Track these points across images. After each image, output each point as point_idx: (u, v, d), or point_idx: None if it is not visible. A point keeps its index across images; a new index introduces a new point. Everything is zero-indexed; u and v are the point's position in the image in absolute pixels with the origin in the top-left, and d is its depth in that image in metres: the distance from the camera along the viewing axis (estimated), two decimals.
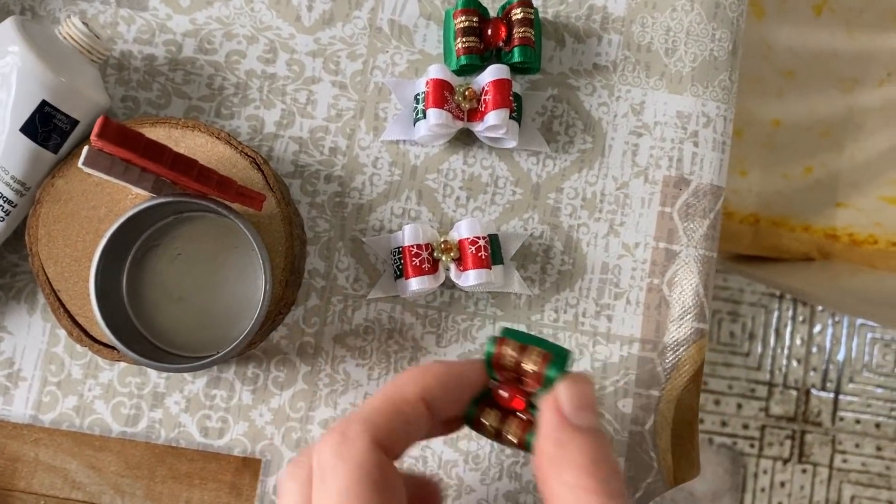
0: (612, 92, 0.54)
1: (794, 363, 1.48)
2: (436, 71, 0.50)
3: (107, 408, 0.51)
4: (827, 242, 0.99)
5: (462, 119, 0.51)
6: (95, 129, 0.35)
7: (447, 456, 0.51)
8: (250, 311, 0.48)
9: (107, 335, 0.45)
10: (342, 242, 0.52)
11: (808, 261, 1.00)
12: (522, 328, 0.52)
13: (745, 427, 1.47)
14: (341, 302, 0.52)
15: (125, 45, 0.53)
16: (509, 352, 0.35)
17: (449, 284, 0.51)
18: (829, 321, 1.48)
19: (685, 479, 0.53)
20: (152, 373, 0.51)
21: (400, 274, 0.50)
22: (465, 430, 0.38)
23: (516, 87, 0.52)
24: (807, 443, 1.47)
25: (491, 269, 0.48)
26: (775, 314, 1.49)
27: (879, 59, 0.97)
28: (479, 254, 0.48)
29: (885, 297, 0.97)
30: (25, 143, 0.46)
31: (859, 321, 1.47)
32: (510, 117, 0.50)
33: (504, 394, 0.37)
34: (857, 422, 1.48)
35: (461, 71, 0.52)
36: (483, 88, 0.51)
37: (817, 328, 1.48)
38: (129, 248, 0.48)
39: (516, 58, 0.51)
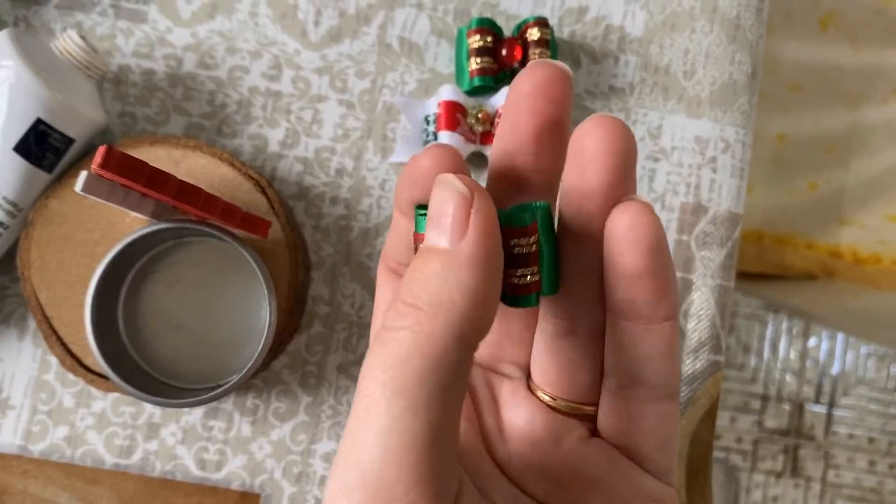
0: (628, 115, 0.52)
1: (789, 377, 1.47)
2: (448, 92, 0.48)
3: (100, 438, 0.49)
4: (830, 261, 0.98)
5: (475, 142, 0.49)
6: (97, 160, 0.33)
7: None
8: (252, 340, 0.46)
9: (103, 367, 0.42)
10: (347, 267, 0.50)
11: (811, 279, 0.99)
12: None
13: (739, 441, 1.46)
14: (346, 329, 0.50)
15: (123, 58, 0.51)
16: None
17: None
18: (824, 335, 1.47)
19: None
20: (147, 403, 0.49)
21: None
22: None
23: None
24: (800, 457, 1.46)
25: None
26: (770, 327, 1.48)
27: (885, 75, 0.96)
28: None
29: (888, 317, 0.96)
30: (19, 162, 0.44)
31: (851, 336, 1.46)
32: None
33: None
34: (851, 436, 1.47)
35: (474, 92, 0.50)
36: (497, 111, 0.49)
37: (812, 342, 1.47)
38: (125, 274, 0.46)
39: None
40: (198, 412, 0.49)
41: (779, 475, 1.46)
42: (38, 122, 0.44)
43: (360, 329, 0.50)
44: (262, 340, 0.43)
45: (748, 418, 1.46)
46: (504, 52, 0.49)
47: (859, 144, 0.97)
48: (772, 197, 0.98)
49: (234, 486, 0.49)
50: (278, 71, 0.51)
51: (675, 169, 0.52)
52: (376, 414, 0.21)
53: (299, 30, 0.51)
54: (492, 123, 0.49)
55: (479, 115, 0.49)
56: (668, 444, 0.27)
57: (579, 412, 0.28)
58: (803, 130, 0.97)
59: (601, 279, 0.26)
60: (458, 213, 0.22)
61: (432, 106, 0.49)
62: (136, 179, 0.34)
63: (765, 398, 1.47)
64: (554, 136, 0.25)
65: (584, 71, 0.52)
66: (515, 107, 0.24)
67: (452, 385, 0.21)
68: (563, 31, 0.52)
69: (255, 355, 0.43)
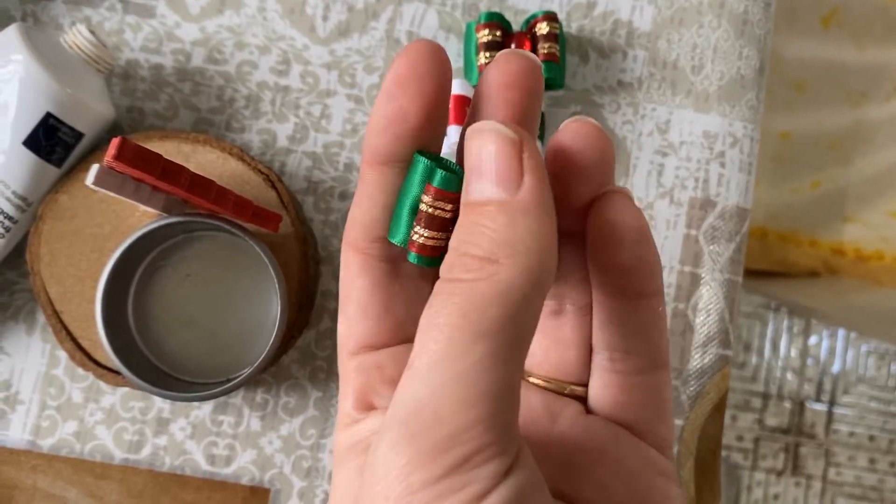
0: (636, 110, 0.52)
1: (789, 375, 1.47)
2: (457, 87, 0.48)
3: (108, 433, 0.49)
4: (833, 258, 0.98)
5: None
6: (111, 151, 0.33)
7: None
8: (262, 335, 0.46)
9: (113, 361, 0.42)
10: None
11: (815, 276, 0.99)
12: None
13: (740, 439, 1.46)
14: None
15: (131, 53, 0.51)
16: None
17: None
18: (825, 333, 1.47)
19: None
20: (156, 398, 0.49)
21: None
22: None
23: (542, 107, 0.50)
24: (801, 455, 1.46)
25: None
26: (770, 325, 1.48)
27: (888, 72, 0.96)
28: None
29: (891, 314, 0.96)
30: (28, 156, 0.44)
31: (854, 333, 1.46)
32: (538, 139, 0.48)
33: None
34: (851, 434, 1.47)
35: None
36: None
37: (813, 340, 1.48)
38: (135, 268, 0.46)
39: None
40: (207, 407, 0.49)
41: (780, 473, 1.46)
42: (48, 116, 0.44)
43: None
44: (273, 334, 0.43)
45: (749, 416, 1.46)
46: (513, 46, 0.49)
47: (862, 142, 0.97)
48: (775, 194, 0.98)
49: (244, 480, 0.49)
50: (287, 66, 0.51)
51: (684, 164, 0.52)
52: (452, 359, 0.20)
53: (308, 25, 0.51)
54: None
55: None
56: (665, 414, 0.27)
57: (570, 393, 0.28)
58: (807, 128, 0.97)
59: (584, 259, 0.26)
60: (512, 161, 0.21)
61: None
62: (150, 171, 0.34)
63: (765, 396, 1.47)
64: (528, 128, 0.25)
65: (593, 66, 0.52)
66: (489, 99, 0.24)
67: (528, 335, 0.21)
68: (571, 26, 0.52)
69: (267, 348, 0.43)
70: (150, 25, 0.51)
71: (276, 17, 0.51)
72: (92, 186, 0.38)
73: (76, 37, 0.45)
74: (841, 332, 1.46)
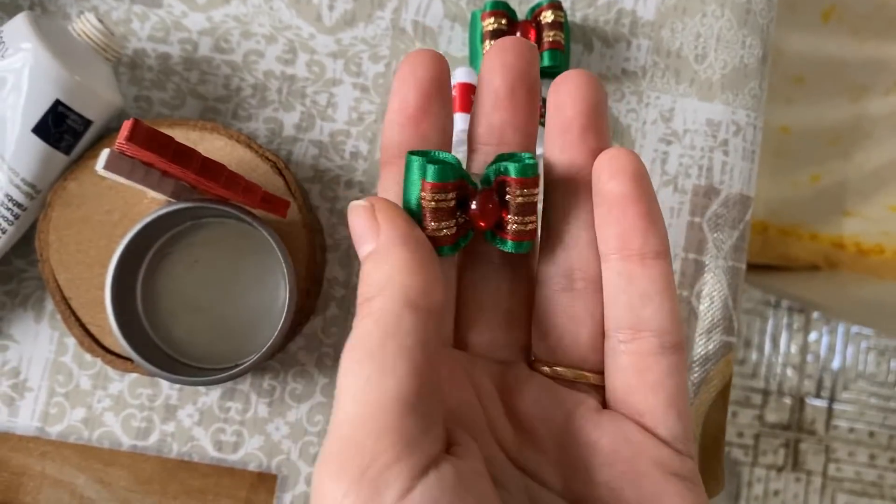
0: (640, 98, 0.53)
1: (789, 371, 1.47)
2: (463, 74, 0.49)
3: (116, 420, 0.49)
4: (833, 251, 0.98)
5: None
6: (124, 132, 0.33)
7: None
8: (269, 322, 0.47)
9: (123, 346, 0.43)
10: None
11: (815, 270, 0.99)
12: None
13: (740, 435, 1.46)
14: None
15: (139, 42, 0.51)
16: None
17: None
18: (825, 329, 1.48)
19: (710, 496, 0.52)
20: (164, 384, 0.49)
21: None
22: None
23: (543, 92, 0.50)
24: (801, 451, 1.47)
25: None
26: (770, 322, 1.48)
27: (888, 67, 0.97)
28: None
29: (891, 307, 0.96)
30: (37, 143, 0.44)
31: (854, 329, 1.47)
32: (538, 123, 0.48)
33: None
34: (851, 430, 1.47)
35: None
36: None
37: (812, 336, 1.48)
38: (143, 255, 0.46)
39: (546, 62, 0.49)
40: (214, 394, 0.49)
41: (780, 469, 1.46)
42: (57, 103, 0.44)
43: None
44: (282, 318, 0.43)
45: (749, 413, 1.47)
46: (518, 34, 0.50)
47: (862, 136, 0.98)
48: (776, 188, 0.98)
49: (251, 466, 0.49)
50: (293, 55, 0.51)
51: (688, 152, 0.52)
52: (348, 384, 0.23)
53: (314, 14, 0.52)
54: None
55: None
56: (678, 402, 0.27)
57: (583, 380, 0.29)
58: (807, 122, 0.98)
59: (591, 227, 0.28)
60: (367, 221, 0.26)
61: None
62: (162, 154, 0.35)
63: (766, 393, 1.47)
64: (526, 92, 0.28)
65: (597, 54, 0.53)
66: (488, 70, 0.28)
67: (414, 346, 0.23)
68: (575, 15, 0.53)
69: (275, 334, 0.43)
70: (157, 15, 0.51)
71: (282, 7, 0.51)
72: (102, 171, 0.38)
73: (84, 25, 0.46)
74: (841, 329, 1.47)
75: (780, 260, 0.99)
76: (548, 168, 0.29)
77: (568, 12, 0.53)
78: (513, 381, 0.29)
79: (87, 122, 0.46)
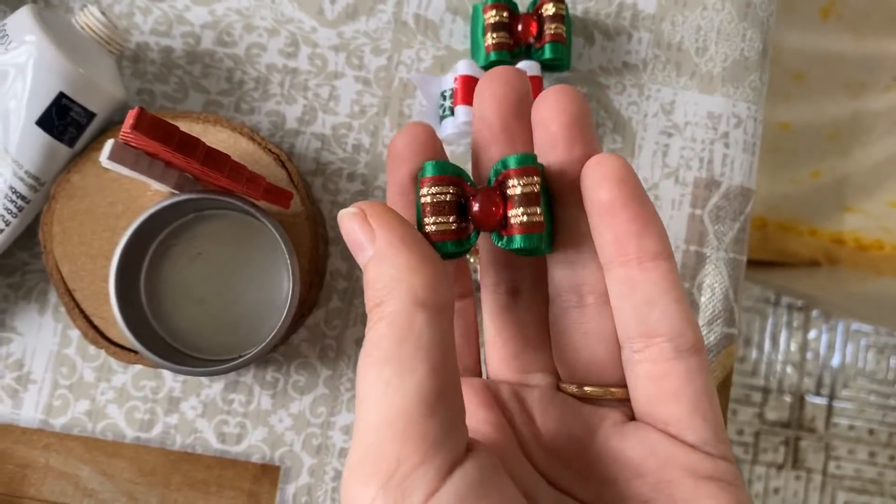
0: (641, 91, 0.53)
1: (789, 369, 1.48)
2: (465, 67, 0.49)
3: (120, 412, 0.49)
4: (833, 247, 0.99)
5: None
6: (129, 121, 0.34)
7: None
8: (272, 313, 0.47)
9: (127, 336, 0.43)
10: None
11: (815, 266, 0.99)
12: None
13: (740, 433, 1.46)
14: (364, 304, 0.50)
15: (141, 36, 0.51)
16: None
17: None
18: (824, 327, 1.48)
19: None
20: (168, 376, 0.49)
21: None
22: None
23: (545, 85, 0.51)
24: (801, 449, 1.47)
25: None
26: (770, 320, 1.48)
27: (886, 63, 0.97)
28: None
29: (891, 302, 0.96)
30: (41, 136, 0.44)
31: (854, 327, 1.47)
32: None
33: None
34: (851, 428, 1.48)
35: (490, 67, 0.51)
36: None
37: (812, 334, 1.48)
38: (147, 247, 0.46)
39: (547, 54, 0.49)
40: (218, 386, 0.49)
41: (780, 467, 1.46)
42: (61, 95, 0.44)
43: None
44: (285, 310, 0.43)
45: (749, 410, 1.47)
46: (520, 27, 0.50)
47: (861, 132, 0.98)
48: (775, 184, 0.99)
49: (255, 458, 0.49)
50: (295, 48, 0.52)
51: (689, 144, 0.53)
52: (368, 389, 0.23)
53: (316, 7, 0.52)
54: None
55: None
56: (703, 405, 0.26)
57: (609, 395, 0.28)
58: (806, 119, 0.98)
59: (591, 241, 0.27)
60: (361, 227, 0.25)
61: (448, 81, 0.50)
62: (166, 143, 0.35)
63: (766, 390, 1.47)
64: (520, 122, 0.28)
65: (598, 47, 0.53)
66: (481, 103, 0.28)
67: (430, 345, 0.23)
68: (576, 9, 0.53)
69: (279, 324, 0.43)
70: (159, 9, 0.51)
71: (284, 0, 0.52)
72: (106, 162, 0.38)
73: (88, 18, 0.46)
74: (840, 326, 1.47)
75: (779, 256, 1.00)
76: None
77: (569, 5, 0.53)
78: (538, 402, 0.29)
79: (91, 115, 0.46)
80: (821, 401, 1.48)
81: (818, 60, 0.97)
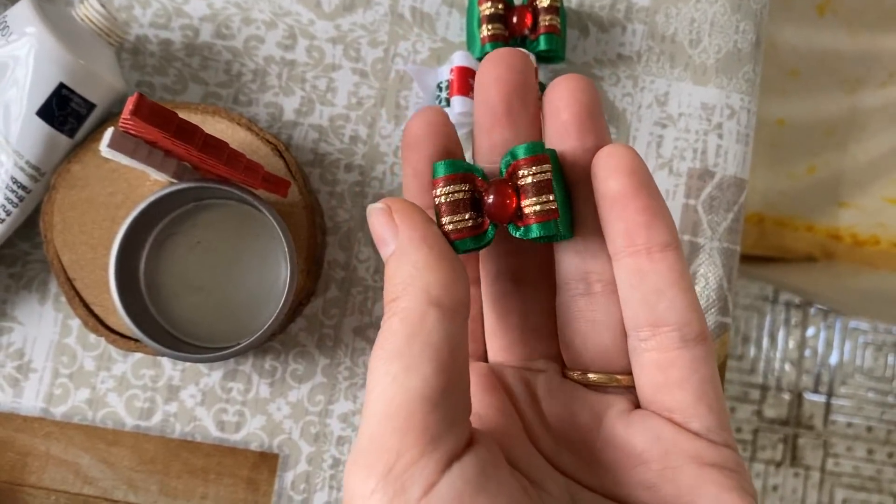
0: (636, 82, 0.53)
1: (788, 366, 1.48)
2: (461, 58, 0.50)
3: (120, 401, 0.49)
4: (830, 242, 0.99)
5: None
6: (129, 107, 0.34)
7: None
8: (270, 302, 0.47)
9: (127, 324, 0.43)
10: (362, 233, 0.51)
11: (812, 261, 1.00)
12: None
13: (739, 430, 1.47)
14: (361, 293, 0.51)
15: (140, 29, 0.52)
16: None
17: None
18: (822, 325, 1.48)
19: None
20: (167, 365, 0.50)
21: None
22: None
23: (540, 77, 0.51)
24: (799, 446, 1.47)
25: None
26: (768, 318, 1.49)
27: (882, 59, 0.97)
28: None
29: (887, 296, 0.97)
30: (41, 126, 0.45)
31: (852, 324, 1.47)
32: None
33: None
34: (849, 425, 1.48)
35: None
36: None
37: (810, 332, 1.49)
38: (146, 237, 0.47)
39: (542, 46, 0.50)
40: (217, 374, 0.50)
41: (778, 464, 1.46)
42: (61, 86, 0.45)
43: (375, 293, 0.51)
44: (283, 297, 0.44)
45: (747, 408, 1.47)
46: (515, 19, 0.50)
47: (857, 128, 0.98)
48: (772, 180, 0.99)
49: (253, 446, 0.50)
50: (293, 41, 0.52)
51: (682, 135, 0.53)
52: (376, 382, 0.24)
53: (313, 0, 0.52)
54: None
55: None
56: (708, 394, 0.27)
57: (615, 382, 0.29)
58: (802, 115, 0.99)
59: (601, 229, 0.28)
60: (386, 223, 0.26)
61: (444, 73, 0.50)
62: (165, 129, 0.35)
63: (764, 388, 1.48)
64: (523, 103, 0.28)
65: (593, 39, 0.53)
66: (484, 86, 0.28)
67: (440, 343, 0.24)
68: (571, 1, 0.53)
69: (277, 310, 0.44)
70: (158, 2, 0.52)
71: None
72: (106, 150, 0.39)
73: (88, 9, 0.46)
74: (838, 324, 1.47)
75: (776, 251, 1.00)
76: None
77: None
78: (544, 389, 0.29)
79: (91, 106, 0.46)
80: (819, 398, 1.48)
81: (814, 56, 0.97)
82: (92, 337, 0.49)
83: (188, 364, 0.49)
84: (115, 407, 0.49)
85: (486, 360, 0.31)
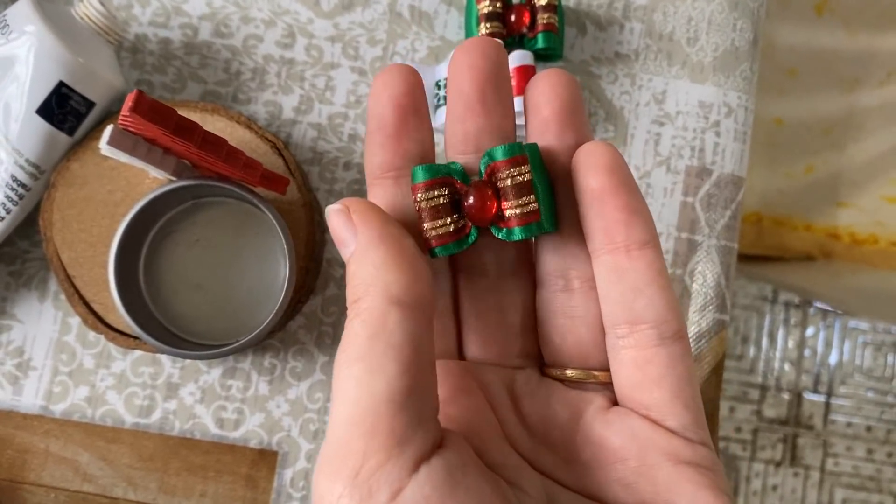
0: (633, 81, 0.53)
1: (787, 366, 1.48)
2: None
3: (119, 398, 0.50)
4: (828, 241, 0.99)
5: None
6: (128, 103, 0.34)
7: None
8: (269, 299, 0.47)
9: (126, 321, 0.43)
10: None
11: (810, 260, 1.00)
12: None
13: (738, 430, 1.47)
14: None
15: (140, 27, 0.52)
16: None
17: None
18: (822, 324, 1.48)
19: None
20: (166, 363, 0.50)
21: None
22: None
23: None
24: (798, 446, 1.47)
25: None
26: (768, 317, 1.49)
27: (880, 59, 0.98)
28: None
29: (886, 295, 0.97)
30: (41, 125, 0.45)
31: (851, 324, 1.47)
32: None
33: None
34: (849, 425, 1.48)
35: None
36: None
37: (810, 331, 1.49)
38: (146, 234, 0.47)
39: (540, 44, 0.50)
40: (216, 372, 0.50)
41: (778, 464, 1.47)
42: (61, 84, 0.45)
43: None
44: (282, 294, 0.44)
45: (747, 408, 1.47)
46: (513, 17, 0.51)
47: (855, 127, 0.98)
48: (770, 180, 0.99)
49: (252, 444, 0.50)
50: (292, 39, 0.52)
51: (680, 133, 0.53)
52: (340, 386, 0.23)
53: None
54: None
55: None
56: (684, 392, 0.27)
57: (592, 379, 0.29)
58: (800, 114, 0.99)
59: (580, 226, 0.28)
60: (345, 223, 0.26)
61: (443, 71, 0.51)
62: (164, 125, 0.36)
63: (763, 388, 1.48)
64: (496, 93, 0.27)
65: (591, 38, 0.54)
66: (457, 74, 0.27)
67: (402, 343, 0.23)
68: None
69: (276, 308, 0.44)
70: (158, 0, 0.52)
71: None
72: (106, 148, 0.39)
73: (87, 8, 0.46)
74: (838, 324, 1.48)
75: (774, 250, 1.00)
76: None
77: None
78: (523, 387, 0.29)
79: (90, 104, 0.47)
80: (818, 398, 1.48)
81: (812, 56, 0.98)
82: (91, 335, 0.49)
83: (187, 361, 0.50)
84: (115, 404, 0.49)
85: (459, 357, 0.31)
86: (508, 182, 0.26)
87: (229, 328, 0.47)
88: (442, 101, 0.50)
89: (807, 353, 1.48)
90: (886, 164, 0.97)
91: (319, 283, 0.51)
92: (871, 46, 0.97)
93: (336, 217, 0.26)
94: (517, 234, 0.26)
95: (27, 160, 0.46)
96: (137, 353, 0.50)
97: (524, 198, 0.26)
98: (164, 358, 0.50)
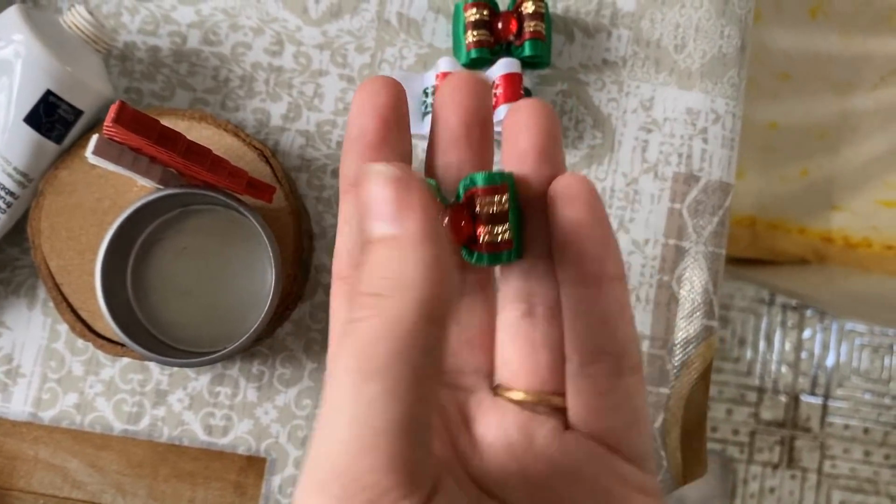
0: (621, 87, 0.54)
1: (784, 369, 1.48)
2: (446, 64, 0.50)
3: (108, 405, 0.50)
4: (822, 245, 0.99)
5: None
6: (111, 115, 0.34)
7: None
8: (257, 306, 0.47)
9: (113, 329, 0.44)
10: None
11: (804, 264, 1.00)
12: None
13: (735, 433, 1.47)
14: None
15: (129, 35, 0.52)
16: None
17: None
18: (819, 327, 1.49)
19: (694, 478, 0.53)
20: (155, 370, 0.50)
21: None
22: None
23: (526, 82, 0.51)
24: (796, 448, 1.47)
25: None
26: (765, 320, 1.49)
27: (873, 62, 0.98)
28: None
29: (879, 299, 0.97)
30: (29, 133, 0.45)
31: (848, 326, 1.47)
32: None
33: None
34: (846, 427, 1.48)
35: (471, 65, 0.52)
36: (494, 82, 0.50)
37: (807, 334, 1.49)
38: (133, 242, 0.47)
39: (527, 52, 0.50)
40: (204, 378, 0.50)
41: (775, 466, 1.47)
42: (48, 93, 0.45)
43: None
44: (268, 302, 0.44)
45: (744, 410, 1.47)
46: (500, 25, 0.51)
47: (849, 131, 0.99)
48: (764, 183, 0.99)
49: (241, 450, 0.50)
50: (280, 47, 0.52)
51: (668, 140, 0.53)
52: (347, 403, 0.20)
53: (300, 6, 0.53)
54: None
55: None
56: (638, 423, 0.27)
57: (547, 402, 0.28)
58: (794, 118, 0.99)
59: (549, 254, 0.28)
60: (394, 197, 0.22)
61: (430, 79, 0.51)
62: (147, 136, 0.36)
63: (761, 390, 1.48)
64: (481, 128, 0.28)
65: (578, 45, 0.54)
66: (443, 108, 0.27)
67: (426, 367, 0.21)
68: (556, 6, 0.54)
69: (262, 314, 0.44)
70: (146, 8, 0.52)
71: (269, 0, 0.53)
72: (91, 156, 0.39)
73: (75, 17, 0.47)
74: (835, 326, 1.48)
75: (768, 254, 1.00)
76: None
77: (549, 3, 0.54)
78: (476, 409, 0.29)
79: (78, 112, 0.47)
80: (816, 400, 1.48)
81: (806, 59, 0.98)
82: (80, 342, 0.50)
83: (176, 368, 0.50)
84: (104, 411, 0.50)
85: None
86: (487, 209, 0.26)
87: (217, 335, 0.48)
88: (429, 109, 0.50)
89: (804, 355, 1.48)
90: (880, 167, 0.98)
91: (307, 290, 0.51)
92: (864, 50, 0.97)
93: (384, 185, 0.22)
94: (486, 261, 0.27)
95: (15, 168, 0.46)
96: (126, 360, 0.50)
97: (500, 226, 0.26)
98: (152, 365, 0.50)
